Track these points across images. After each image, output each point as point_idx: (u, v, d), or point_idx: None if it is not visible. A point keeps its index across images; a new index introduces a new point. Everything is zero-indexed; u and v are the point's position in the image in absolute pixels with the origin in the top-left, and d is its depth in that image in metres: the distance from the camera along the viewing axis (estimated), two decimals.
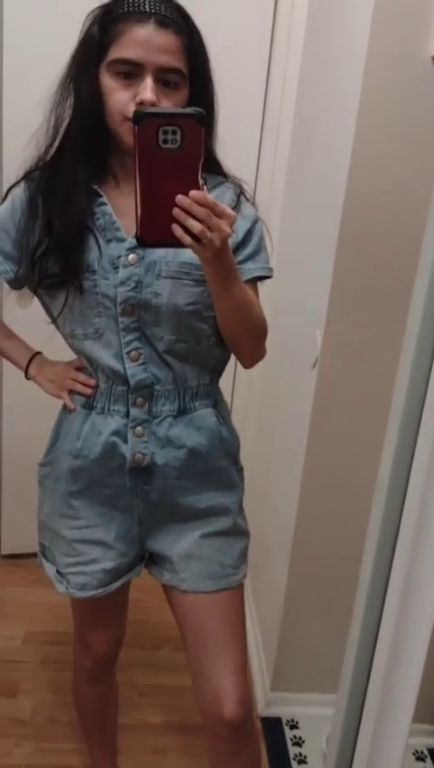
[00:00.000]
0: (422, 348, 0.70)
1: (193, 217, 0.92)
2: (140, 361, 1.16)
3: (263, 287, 1.25)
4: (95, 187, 1.14)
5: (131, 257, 1.12)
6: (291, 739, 1.90)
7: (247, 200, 1.20)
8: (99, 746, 1.60)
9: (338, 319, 1.62)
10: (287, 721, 1.96)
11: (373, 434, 1.73)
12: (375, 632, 0.73)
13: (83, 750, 1.69)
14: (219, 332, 1.17)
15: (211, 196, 0.92)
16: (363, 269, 1.57)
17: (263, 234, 1.20)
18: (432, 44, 1.40)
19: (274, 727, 1.94)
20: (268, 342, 1.26)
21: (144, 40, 1.03)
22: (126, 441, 1.18)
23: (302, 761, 1.84)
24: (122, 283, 1.13)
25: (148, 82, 1.03)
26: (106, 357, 1.16)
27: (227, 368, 1.28)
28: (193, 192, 0.91)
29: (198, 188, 0.93)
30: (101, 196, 1.14)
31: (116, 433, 1.18)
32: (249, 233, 1.17)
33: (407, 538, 0.67)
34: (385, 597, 0.70)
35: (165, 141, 0.92)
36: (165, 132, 0.91)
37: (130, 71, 1.04)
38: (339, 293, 1.59)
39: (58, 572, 1.29)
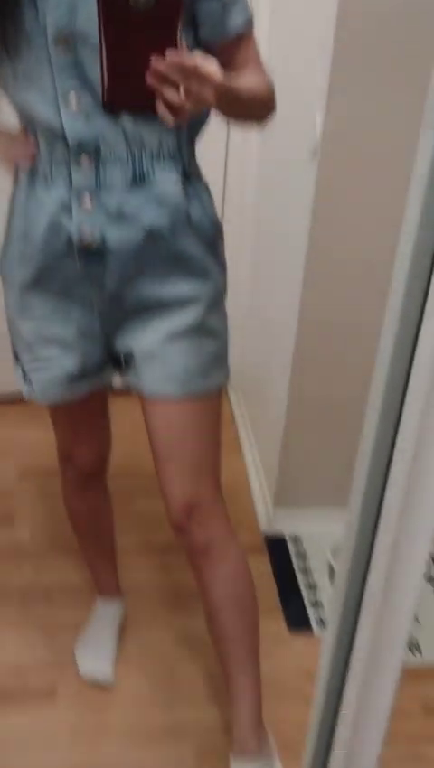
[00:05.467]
0: None
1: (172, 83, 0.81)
2: (79, 110, 0.98)
3: None
4: None
5: None
6: (295, 553, 1.90)
7: None
8: (97, 561, 1.58)
9: (340, 99, 1.40)
10: (291, 537, 1.95)
11: (380, 229, 1.57)
12: (393, 434, 0.60)
13: (84, 567, 1.67)
14: None
15: (192, 57, 0.80)
16: (365, 39, 1.34)
17: None
18: None
19: (277, 544, 1.93)
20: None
21: None
22: (72, 217, 1.03)
23: (307, 572, 1.84)
24: (53, 7, 0.93)
25: None
26: (41, 106, 0.99)
27: (215, 158, 1.10)
28: (170, 55, 0.80)
29: (175, 46, 0.83)
30: None
31: (60, 208, 1.03)
32: None
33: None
34: (406, 392, 0.56)
35: None
36: None
37: None
38: (341, 68, 1.37)
39: (23, 372, 1.20)
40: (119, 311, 1.11)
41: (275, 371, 1.92)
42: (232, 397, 2.51)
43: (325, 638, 0.68)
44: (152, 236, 1.04)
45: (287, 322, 1.75)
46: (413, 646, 1.63)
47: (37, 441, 2.19)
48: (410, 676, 1.60)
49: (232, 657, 1.25)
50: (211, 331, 1.13)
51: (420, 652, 1.62)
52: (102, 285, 1.08)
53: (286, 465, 1.90)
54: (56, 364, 1.15)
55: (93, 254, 1.05)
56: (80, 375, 1.16)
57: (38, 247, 1.06)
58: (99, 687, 1.51)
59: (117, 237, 1.03)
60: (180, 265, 1.08)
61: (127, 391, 1.20)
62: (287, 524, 1.96)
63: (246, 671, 1.26)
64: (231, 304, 1.19)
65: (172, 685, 1.53)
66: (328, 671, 0.70)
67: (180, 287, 1.08)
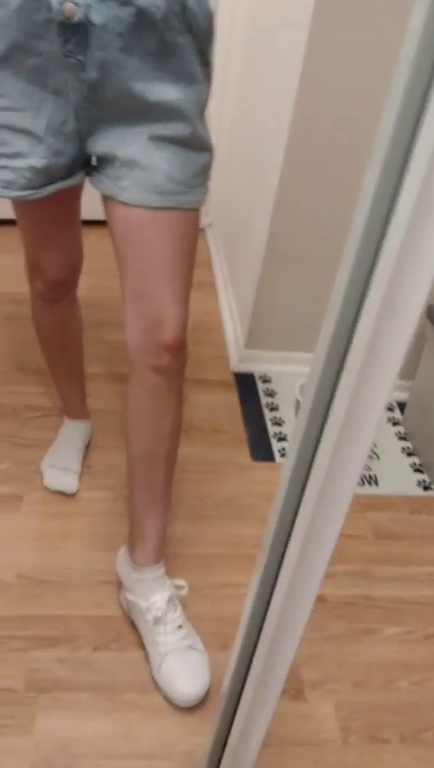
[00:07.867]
0: None
1: None
2: None
3: None
4: None
5: None
6: (264, 391, 1.91)
7: None
8: (65, 381, 1.57)
9: None
10: (260, 376, 1.96)
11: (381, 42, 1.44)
12: (366, 279, 0.57)
13: (53, 394, 1.67)
14: None
15: None
16: None
17: None
18: None
19: (247, 381, 1.94)
20: None
21: None
22: None
23: (274, 408, 1.86)
24: None
25: None
26: None
27: None
28: None
29: None
30: None
31: None
32: None
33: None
34: (384, 237, 0.52)
35: None
36: None
37: None
38: None
39: None
40: (98, 107, 1.03)
41: (256, 212, 1.85)
42: (210, 239, 2.44)
43: (286, 460, 0.69)
44: (143, 17, 0.94)
45: (273, 158, 1.68)
46: (372, 479, 1.68)
47: (3, 267, 2.14)
48: (367, 505, 1.67)
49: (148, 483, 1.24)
50: (201, 144, 1.06)
51: (377, 485, 1.68)
52: (82, 73, 0.99)
53: (259, 309, 1.88)
54: (21, 159, 1.06)
55: (75, 29, 0.95)
56: (49, 175, 1.08)
57: (14, 17, 0.95)
58: (63, 497, 1.54)
59: (105, 12, 0.94)
60: (169, 63, 0.99)
61: (99, 222, 1.14)
62: (258, 365, 1.97)
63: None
64: (214, 139, 1.12)
65: None
66: (285, 491, 0.71)
67: (167, 92, 1.00)
